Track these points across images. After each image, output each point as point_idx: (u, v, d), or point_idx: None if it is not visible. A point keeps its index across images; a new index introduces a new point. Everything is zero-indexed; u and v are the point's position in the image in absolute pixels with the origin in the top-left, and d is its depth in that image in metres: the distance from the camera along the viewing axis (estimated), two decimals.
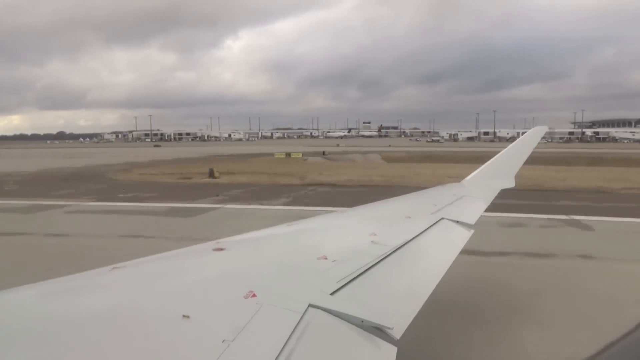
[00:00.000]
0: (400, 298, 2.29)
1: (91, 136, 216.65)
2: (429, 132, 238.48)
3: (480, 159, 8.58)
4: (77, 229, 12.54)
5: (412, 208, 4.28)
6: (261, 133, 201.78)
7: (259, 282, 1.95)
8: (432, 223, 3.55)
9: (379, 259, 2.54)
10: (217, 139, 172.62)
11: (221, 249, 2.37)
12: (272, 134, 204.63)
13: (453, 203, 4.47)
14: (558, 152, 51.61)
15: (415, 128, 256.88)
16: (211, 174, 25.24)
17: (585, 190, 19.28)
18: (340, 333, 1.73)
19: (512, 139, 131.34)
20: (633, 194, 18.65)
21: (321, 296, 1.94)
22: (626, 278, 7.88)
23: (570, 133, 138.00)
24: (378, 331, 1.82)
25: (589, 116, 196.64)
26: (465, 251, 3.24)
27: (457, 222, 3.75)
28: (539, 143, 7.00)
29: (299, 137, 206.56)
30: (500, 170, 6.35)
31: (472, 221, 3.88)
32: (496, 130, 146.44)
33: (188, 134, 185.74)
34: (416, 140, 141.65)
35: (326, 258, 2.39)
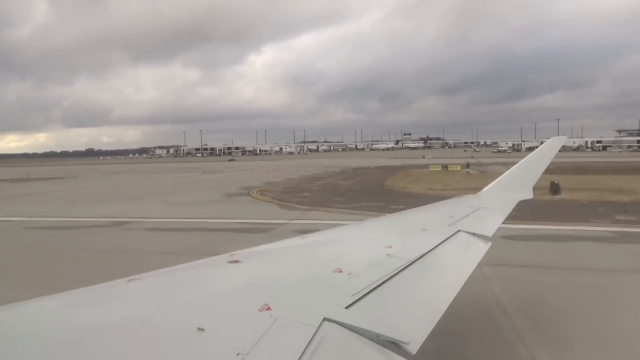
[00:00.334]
0: (416, 312, 2.26)
1: (140, 152, 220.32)
2: (472, 142, 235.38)
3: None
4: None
5: (428, 220, 4.23)
6: (307, 146, 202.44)
7: (274, 295, 1.95)
8: (449, 236, 3.50)
9: (394, 272, 2.52)
10: (267, 152, 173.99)
11: (236, 262, 2.37)
12: (318, 147, 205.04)
13: (470, 215, 4.38)
14: None
15: (456, 139, 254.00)
16: (556, 191, 20.48)
17: None
18: (355, 347, 1.71)
19: (579, 148, 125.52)
20: None
21: (336, 310, 1.92)
22: None
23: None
24: (394, 346, 1.80)
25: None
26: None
27: (474, 234, 3.69)
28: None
29: (343, 149, 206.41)
30: (518, 182, 6.19)
31: (490, 234, 3.82)
32: None
33: (237, 148, 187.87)
34: (474, 150, 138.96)
35: (341, 271, 2.37)
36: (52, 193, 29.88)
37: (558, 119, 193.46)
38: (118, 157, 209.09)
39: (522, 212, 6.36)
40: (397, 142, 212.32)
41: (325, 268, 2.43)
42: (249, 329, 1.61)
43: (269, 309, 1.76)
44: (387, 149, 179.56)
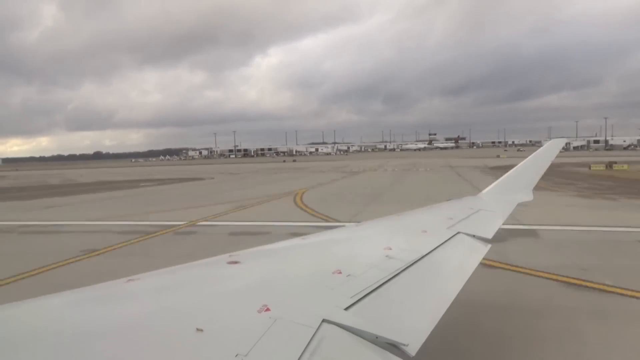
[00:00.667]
0: (416, 314, 2.25)
1: (177, 152, 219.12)
2: (499, 142, 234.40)
3: None
4: None
5: (428, 222, 4.24)
6: (336, 147, 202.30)
7: (273, 296, 1.94)
8: (448, 237, 3.50)
9: (393, 274, 2.52)
10: (302, 153, 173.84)
11: (235, 262, 2.37)
12: (348, 148, 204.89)
13: (469, 217, 4.39)
14: None
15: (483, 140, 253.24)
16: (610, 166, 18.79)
17: None
18: (354, 349, 1.71)
19: (630, 147, 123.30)
20: None
21: (335, 311, 1.92)
22: None
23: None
24: (393, 347, 1.80)
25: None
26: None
27: (474, 236, 3.69)
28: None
29: (372, 150, 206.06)
30: (518, 184, 6.21)
31: (489, 236, 3.82)
32: (608, 138, 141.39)
33: (270, 149, 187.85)
34: (504, 150, 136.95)
35: (340, 272, 2.37)
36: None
37: (577, 121, 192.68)
38: (149, 159, 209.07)
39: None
40: (429, 142, 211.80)
41: (325, 269, 2.43)
42: (247, 330, 1.61)
43: (268, 310, 1.77)
44: (419, 150, 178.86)
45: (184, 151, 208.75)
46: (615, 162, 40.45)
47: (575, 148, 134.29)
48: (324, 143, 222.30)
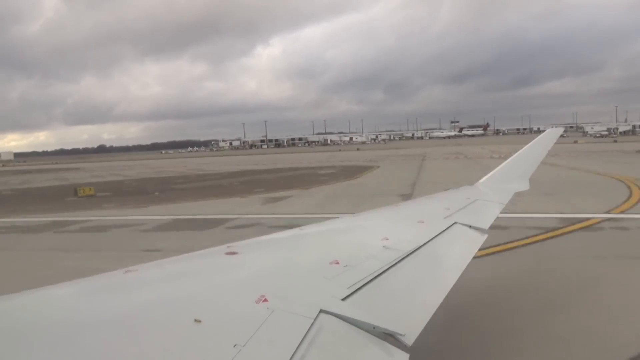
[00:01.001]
0: (413, 304, 2.28)
1: (205, 144, 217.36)
2: (524, 129, 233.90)
3: None
4: None
5: (425, 212, 4.26)
6: (370, 136, 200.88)
7: (271, 287, 1.95)
8: (445, 228, 3.51)
9: (390, 264, 2.53)
10: (336, 142, 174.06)
11: (233, 253, 2.37)
12: (377, 137, 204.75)
13: (466, 207, 4.41)
14: None
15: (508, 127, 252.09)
16: None
17: None
18: (351, 339, 1.73)
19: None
20: None
21: (333, 301, 1.94)
22: None
23: None
24: (390, 337, 1.82)
25: None
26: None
27: (470, 226, 3.72)
28: None
29: (400, 138, 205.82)
30: (515, 173, 6.24)
31: (486, 226, 3.84)
32: None
33: (300, 139, 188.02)
34: (561, 136, 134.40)
35: (338, 263, 2.39)
36: None
37: (616, 105, 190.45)
38: (179, 150, 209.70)
39: None
40: (460, 129, 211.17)
41: (322, 260, 2.45)
42: (245, 321, 1.62)
43: (265, 300, 1.78)
44: (448, 137, 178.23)
45: (213, 142, 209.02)
46: None
47: (622, 133, 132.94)
48: (353, 132, 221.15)
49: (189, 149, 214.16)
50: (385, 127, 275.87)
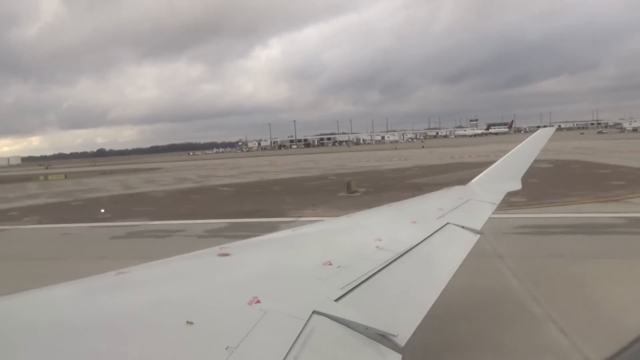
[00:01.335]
0: (405, 305, 2.29)
1: (230, 145, 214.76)
2: (544, 126, 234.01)
3: None
4: None
5: (418, 212, 4.26)
6: (404, 135, 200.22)
7: (263, 288, 1.96)
8: (438, 228, 3.54)
9: (383, 265, 2.54)
10: (367, 142, 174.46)
11: (226, 255, 2.36)
12: (403, 135, 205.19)
13: (459, 207, 4.44)
14: None
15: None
16: None
17: None
18: (344, 340, 1.73)
19: None
20: None
21: (325, 303, 1.94)
22: None
23: None
24: (382, 338, 1.82)
25: None
26: None
27: (463, 227, 3.73)
28: None
29: (425, 137, 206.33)
30: (507, 173, 6.25)
31: (478, 227, 3.86)
32: None
33: (329, 138, 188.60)
34: (599, 132, 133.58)
35: (331, 264, 2.39)
36: None
37: None
38: (206, 152, 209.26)
39: None
40: (487, 127, 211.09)
41: (315, 261, 2.45)
42: (238, 323, 1.62)
43: (258, 302, 1.77)
44: (475, 135, 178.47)
45: (241, 143, 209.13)
46: None
47: (635, 129, 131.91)
48: (387, 131, 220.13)
49: (215, 150, 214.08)
50: (403, 126, 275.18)
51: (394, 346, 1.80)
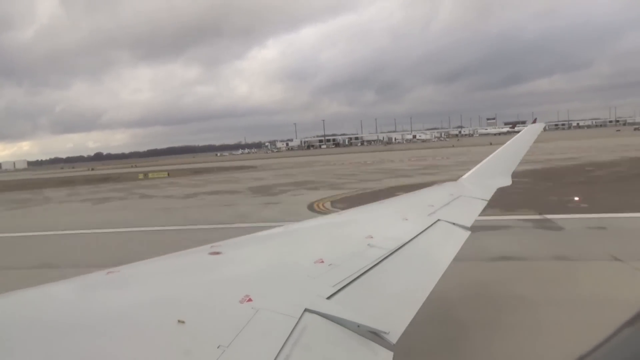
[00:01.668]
0: (397, 302, 2.29)
1: (256, 146, 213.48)
2: (563, 123, 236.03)
3: None
4: None
5: (409, 209, 4.27)
6: (434, 134, 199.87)
7: (255, 286, 1.96)
8: (429, 225, 3.56)
9: (375, 262, 2.56)
10: (399, 141, 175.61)
11: (217, 253, 2.37)
12: (432, 134, 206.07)
13: (450, 204, 4.47)
14: None
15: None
16: None
17: None
18: (336, 338, 1.74)
19: None
20: None
21: (317, 300, 1.94)
22: None
23: None
24: (374, 336, 1.83)
25: None
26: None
27: (454, 223, 3.77)
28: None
29: (448, 136, 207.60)
30: (497, 169, 6.34)
31: (469, 223, 3.88)
32: None
33: (356, 138, 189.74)
34: (636, 129, 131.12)
35: (322, 261, 2.40)
36: None
37: None
38: (232, 152, 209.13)
39: None
40: (513, 125, 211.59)
41: (307, 259, 2.46)
42: (229, 321, 1.62)
43: (250, 300, 1.77)
44: (500, 134, 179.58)
45: (267, 143, 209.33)
46: None
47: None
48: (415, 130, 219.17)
49: (241, 151, 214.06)
50: (415, 126, 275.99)
51: (386, 343, 1.81)
